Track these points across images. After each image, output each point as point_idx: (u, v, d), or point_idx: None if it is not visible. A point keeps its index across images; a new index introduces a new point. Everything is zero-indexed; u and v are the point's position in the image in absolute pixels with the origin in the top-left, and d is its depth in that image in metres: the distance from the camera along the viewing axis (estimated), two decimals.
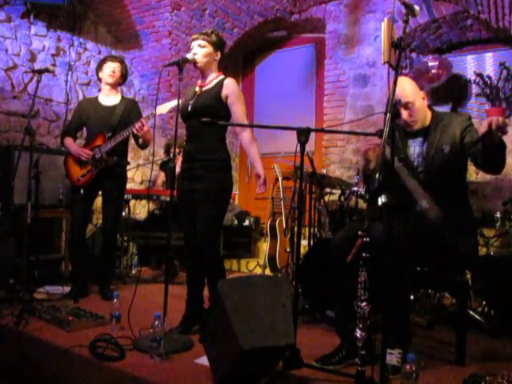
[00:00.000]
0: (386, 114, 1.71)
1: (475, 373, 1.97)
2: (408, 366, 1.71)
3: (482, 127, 1.98)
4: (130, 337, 2.37)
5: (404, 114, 2.31)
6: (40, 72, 3.20)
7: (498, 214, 3.23)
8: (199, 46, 2.64)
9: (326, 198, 3.86)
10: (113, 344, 2.24)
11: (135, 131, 3.23)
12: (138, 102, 3.75)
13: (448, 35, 4.91)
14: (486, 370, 2.06)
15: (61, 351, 2.26)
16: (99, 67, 3.58)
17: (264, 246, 4.59)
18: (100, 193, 3.59)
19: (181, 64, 2.55)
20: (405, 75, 4.88)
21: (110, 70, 3.52)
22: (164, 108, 3.03)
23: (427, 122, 2.38)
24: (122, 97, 3.66)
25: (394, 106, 1.69)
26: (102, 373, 2.12)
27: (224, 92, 2.63)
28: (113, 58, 3.59)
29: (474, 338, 2.57)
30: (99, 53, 5.09)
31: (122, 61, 3.63)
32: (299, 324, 2.43)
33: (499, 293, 2.87)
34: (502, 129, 1.91)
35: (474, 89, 4.82)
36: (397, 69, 1.81)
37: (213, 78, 2.71)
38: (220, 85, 2.65)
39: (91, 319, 2.68)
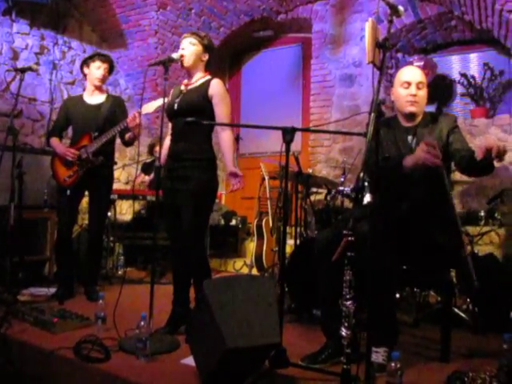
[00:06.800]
0: (370, 114, 1.72)
1: (459, 369, 1.99)
2: (393, 364, 1.72)
3: (478, 150, 2.01)
4: (116, 338, 2.36)
5: (412, 89, 2.37)
6: (23, 70, 3.16)
7: (482, 213, 3.26)
8: (190, 43, 2.66)
9: (312, 198, 3.87)
10: (98, 345, 2.22)
11: (128, 122, 3.15)
12: (123, 100, 3.72)
13: (433, 36, 4.96)
14: (470, 366, 2.08)
15: (45, 354, 2.23)
16: (86, 63, 3.51)
17: (251, 246, 4.59)
18: (86, 193, 3.56)
19: (166, 63, 2.54)
20: (390, 75, 4.95)
21: (100, 72, 3.46)
22: (150, 107, 3.00)
23: (419, 119, 2.43)
24: (108, 94, 3.62)
25: (378, 106, 1.71)
26: (86, 375, 2.10)
27: (210, 92, 2.63)
28: (102, 58, 3.50)
29: (459, 335, 2.60)
30: (84, 51, 5.04)
31: (110, 60, 3.57)
32: (285, 323, 2.43)
33: (483, 291, 2.90)
34: (502, 156, 1.94)
35: (459, 89, 4.88)
36: (381, 69, 1.83)
37: (199, 78, 2.71)
38: (207, 84, 2.65)
39: (76, 320, 2.65)
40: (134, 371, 2.04)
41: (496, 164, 2.09)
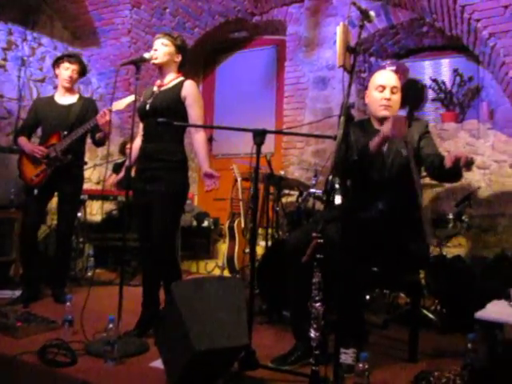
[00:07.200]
0: (340, 117, 1.74)
1: (426, 369, 2.03)
2: (360, 365, 1.74)
3: (447, 159, 2.04)
4: (84, 341, 2.31)
5: (386, 93, 2.40)
6: None
7: (451, 216, 3.32)
8: (162, 44, 2.65)
9: (285, 200, 3.89)
10: (64, 349, 2.16)
11: (98, 118, 3.11)
12: (95, 101, 3.66)
13: (405, 41, 5.04)
14: (436, 366, 2.12)
15: (7, 359, 2.16)
16: (56, 64, 3.46)
17: (223, 247, 4.58)
18: (56, 193, 3.48)
19: (138, 63, 2.55)
20: (363, 78, 5.01)
21: (67, 74, 3.40)
22: (121, 104, 2.97)
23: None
24: (80, 95, 3.57)
25: (348, 109, 1.72)
26: (52, 380, 2.04)
27: (183, 93, 2.63)
28: (71, 59, 3.43)
29: (427, 335, 2.65)
30: (55, 48, 4.93)
31: (80, 61, 3.51)
32: (256, 325, 2.44)
33: (451, 292, 2.97)
34: (470, 166, 1.99)
35: (430, 94, 4.98)
36: (351, 73, 1.84)
37: (172, 79, 2.70)
38: (180, 86, 2.65)
39: (42, 324, 2.58)
40: (101, 375, 2.00)
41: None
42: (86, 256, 4.43)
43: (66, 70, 3.41)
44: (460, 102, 4.75)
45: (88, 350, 2.23)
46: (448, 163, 2.02)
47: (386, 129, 2.16)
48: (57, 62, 3.45)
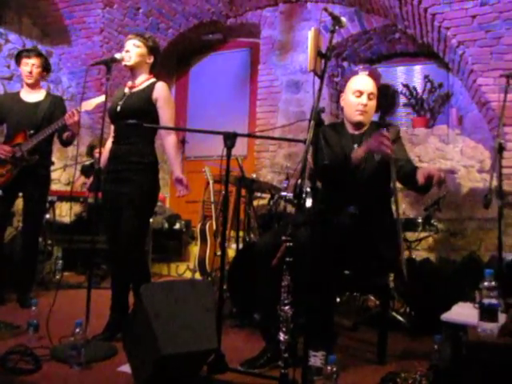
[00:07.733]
0: (310, 121, 1.75)
1: (393, 370, 2.05)
2: (329, 368, 1.75)
3: (420, 175, 2.07)
4: (49, 346, 2.25)
5: (363, 99, 2.41)
6: None
7: (420, 219, 3.38)
8: (134, 45, 2.62)
9: (256, 202, 3.88)
10: (28, 355, 2.10)
11: (66, 119, 3.02)
12: (63, 99, 3.58)
13: (378, 46, 5.12)
14: (404, 367, 2.14)
15: None
16: (16, 62, 3.38)
17: (195, 250, 4.54)
18: (21, 194, 3.39)
19: (109, 63, 2.51)
20: (336, 82, 5.06)
21: (27, 69, 3.31)
22: (89, 104, 2.91)
23: (365, 128, 2.48)
24: (47, 93, 3.48)
25: (318, 114, 1.73)
26: None
27: (154, 95, 2.60)
28: (28, 54, 3.34)
29: (396, 337, 2.69)
30: (24, 46, 4.80)
31: (39, 54, 3.40)
32: (226, 328, 2.43)
33: (419, 294, 3.01)
34: (441, 184, 2.03)
35: (402, 99, 5.06)
36: (322, 77, 1.85)
37: (143, 80, 2.68)
38: (151, 87, 2.63)
39: (5, 330, 2.51)
40: (67, 381, 1.96)
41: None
42: (55, 259, 4.32)
43: (26, 66, 3.32)
44: (430, 108, 4.85)
45: (53, 356, 2.17)
46: (421, 180, 2.06)
47: (373, 143, 2.16)
48: (16, 60, 3.37)
